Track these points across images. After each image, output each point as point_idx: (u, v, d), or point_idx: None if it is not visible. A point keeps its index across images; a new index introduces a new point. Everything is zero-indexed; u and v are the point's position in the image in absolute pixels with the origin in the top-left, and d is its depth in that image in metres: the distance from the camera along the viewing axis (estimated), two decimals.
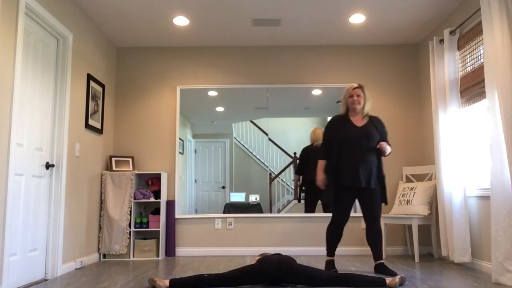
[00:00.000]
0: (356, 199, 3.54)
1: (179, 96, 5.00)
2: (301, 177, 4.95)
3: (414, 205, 4.23)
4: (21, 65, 3.02)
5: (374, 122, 3.57)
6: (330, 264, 3.52)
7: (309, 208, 4.88)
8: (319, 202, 4.92)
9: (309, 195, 4.92)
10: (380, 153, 3.49)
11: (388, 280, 2.91)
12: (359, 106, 3.54)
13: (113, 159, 4.69)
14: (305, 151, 4.99)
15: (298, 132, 5.07)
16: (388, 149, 3.46)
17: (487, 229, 3.49)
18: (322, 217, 4.81)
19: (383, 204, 3.55)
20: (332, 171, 3.50)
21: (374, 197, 3.46)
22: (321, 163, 3.61)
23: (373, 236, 3.49)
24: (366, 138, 3.46)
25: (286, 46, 5.10)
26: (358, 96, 3.54)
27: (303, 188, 4.93)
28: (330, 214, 4.75)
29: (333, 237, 3.54)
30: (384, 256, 4.42)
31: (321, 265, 3.87)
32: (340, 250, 4.72)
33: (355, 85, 3.58)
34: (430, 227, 4.48)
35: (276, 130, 5.06)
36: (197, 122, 5.07)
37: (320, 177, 3.58)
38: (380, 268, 3.42)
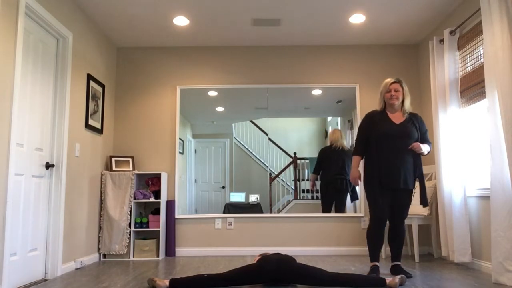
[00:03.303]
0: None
1: (179, 96, 5.00)
2: (318, 176, 4.97)
3: (414, 205, 4.23)
4: (21, 65, 3.02)
5: (413, 120, 3.37)
6: (374, 269, 3.29)
7: (326, 209, 4.89)
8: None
9: (325, 196, 4.93)
10: (418, 153, 3.32)
11: (388, 280, 2.91)
12: (397, 102, 3.33)
13: (113, 159, 4.69)
14: (323, 151, 4.99)
15: (298, 132, 5.07)
16: (422, 148, 3.26)
17: (487, 229, 3.49)
18: (322, 217, 4.82)
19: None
20: (367, 168, 3.35)
21: (408, 199, 3.33)
22: (356, 159, 3.40)
23: (395, 237, 3.38)
24: (405, 136, 3.27)
25: (286, 46, 5.10)
26: (396, 91, 3.33)
27: (321, 188, 4.95)
28: (332, 214, 4.82)
29: (374, 239, 3.34)
30: (383, 256, 4.42)
31: (321, 265, 3.87)
32: (340, 250, 4.72)
33: (392, 79, 3.37)
34: (430, 227, 4.48)
35: (276, 130, 5.06)
36: (197, 122, 5.07)
37: (355, 174, 3.39)
38: (397, 270, 3.33)
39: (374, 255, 3.34)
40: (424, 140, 3.39)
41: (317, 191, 4.95)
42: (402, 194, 3.32)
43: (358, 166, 3.40)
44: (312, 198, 4.96)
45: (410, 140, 3.29)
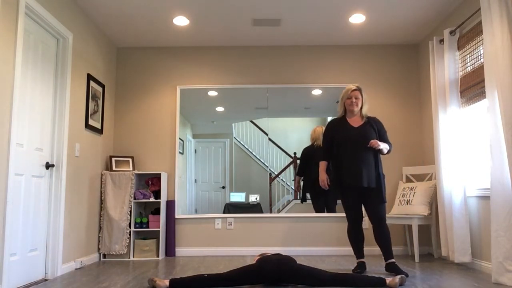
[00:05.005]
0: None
1: (179, 96, 5.00)
2: (302, 178, 4.94)
3: (414, 205, 4.23)
4: (21, 65, 3.02)
5: (372, 122, 3.59)
6: (359, 265, 3.55)
7: (318, 209, 4.88)
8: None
9: (315, 195, 4.91)
10: (378, 151, 3.50)
11: (388, 280, 2.91)
12: (356, 108, 3.58)
13: (113, 159, 4.69)
14: (306, 151, 4.98)
15: (298, 132, 5.07)
16: (380, 146, 3.42)
17: (487, 229, 3.49)
18: (322, 217, 4.82)
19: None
20: (334, 172, 3.58)
21: (376, 197, 3.46)
22: (322, 164, 3.68)
23: (380, 237, 3.46)
24: (363, 138, 3.48)
25: (286, 46, 5.10)
26: (356, 98, 3.57)
27: (306, 189, 4.93)
28: (332, 214, 4.82)
29: (353, 238, 3.59)
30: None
31: (321, 265, 3.88)
32: (340, 250, 4.72)
33: (353, 87, 3.60)
34: (430, 227, 4.48)
35: (276, 130, 5.06)
36: (197, 122, 5.07)
37: (323, 177, 3.64)
38: (391, 268, 3.37)
39: (357, 252, 3.60)
40: (383, 141, 3.57)
41: (305, 192, 4.94)
42: (369, 194, 3.49)
43: (325, 169, 3.66)
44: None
45: (368, 141, 3.46)
